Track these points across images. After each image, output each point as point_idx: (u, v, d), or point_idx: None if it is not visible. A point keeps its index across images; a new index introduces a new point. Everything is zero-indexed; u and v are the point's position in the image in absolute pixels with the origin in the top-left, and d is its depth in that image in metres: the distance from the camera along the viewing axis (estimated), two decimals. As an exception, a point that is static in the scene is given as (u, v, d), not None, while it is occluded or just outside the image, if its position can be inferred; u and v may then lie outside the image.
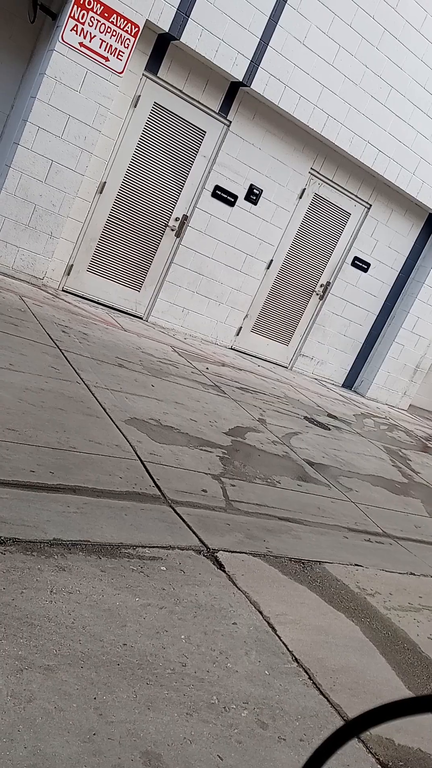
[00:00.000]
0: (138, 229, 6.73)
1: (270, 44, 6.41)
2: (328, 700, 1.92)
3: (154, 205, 6.73)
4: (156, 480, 2.92)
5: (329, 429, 5.79)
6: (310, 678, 1.98)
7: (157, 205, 6.75)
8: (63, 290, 6.55)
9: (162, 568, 2.19)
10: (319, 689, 1.95)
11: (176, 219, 6.90)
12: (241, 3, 6.09)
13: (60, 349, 4.35)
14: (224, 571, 2.37)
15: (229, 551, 2.55)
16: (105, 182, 6.37)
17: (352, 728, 0.73)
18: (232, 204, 7.12)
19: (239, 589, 2.29)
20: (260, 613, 2.20)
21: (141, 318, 7.11)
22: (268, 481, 3.64)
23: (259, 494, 3.37)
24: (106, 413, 3.48)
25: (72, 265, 6.51)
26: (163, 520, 2.57)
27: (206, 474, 3.29)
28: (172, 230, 6.90)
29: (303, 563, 2.77)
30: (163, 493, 2.81)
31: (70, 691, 1.47)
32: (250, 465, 3.77)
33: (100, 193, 6.37)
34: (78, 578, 1.91)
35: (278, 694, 1.83)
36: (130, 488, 2.73)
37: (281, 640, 2.10)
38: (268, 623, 2.17)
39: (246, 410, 5.04)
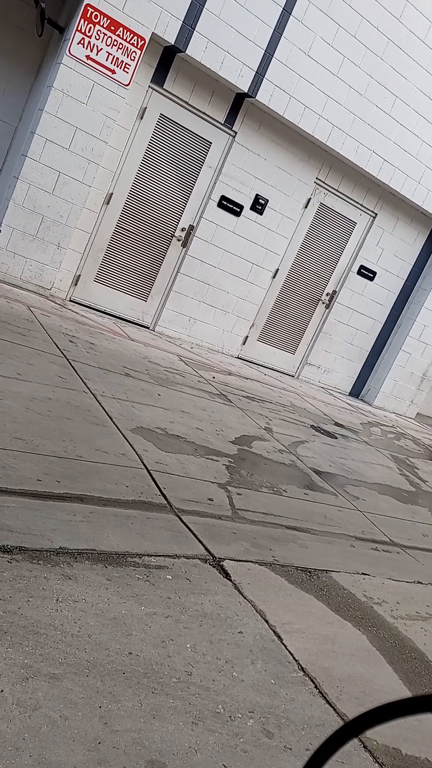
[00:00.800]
0: (145, 240, 6.77)
1: (275, 56, 6.46)
2: (335, 710, 1.91)
3: (160, 215, 6.77)
4: (162, 489, 2.92)
5: (336, 438, 5.78)
6: (316, 687, 1.97)
7: (164, 216, 6.80)
8: (70, 300, 6.59)
9: (168, 576, 2.19)
10: (325, 698, 1.94)
11: (182, 229, 6.94)
12: (245, 15, 6.15)
13: (67, 359, 4.37)
14: (230, 580, 2.37)
15: (235, 560, 2.54)
16: (112, 193, 6.42)
17: (352, 729, 0.72)
18: (238, 214, 7.15)
19: (245, 598, 2.29)
20: (266, 621, 2.20)
21: (148, 327, 7.14)
22: (275, 489, 3.63)
23: (266, 503, 3.37)
24: (113, 422, 3.50)
25: (79, 276, 6.55)
26: (169, 529, 2.57)
27: (212, 483, 3.30)
28: (179, 240, 6.94)
29: (309, 572, 2.77)
30: (169, 502, 2.82)
31: (76, 700, 1.47)
32: (256, 474, 3.77)
33: (107, 204, 6.42)
34: (84, 587, 1.91)
35: (284, 704, 1.83)
36: (137, 497, 2.73)
37: (287, 649, 2.09)
38: (274, 632, 2.16)
39: (252, 419, 5.04)
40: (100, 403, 3.72)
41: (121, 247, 6.68)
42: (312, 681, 1.98)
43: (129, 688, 1.59)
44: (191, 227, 6.97)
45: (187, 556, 2.40)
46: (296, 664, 2.03)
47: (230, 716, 1.67)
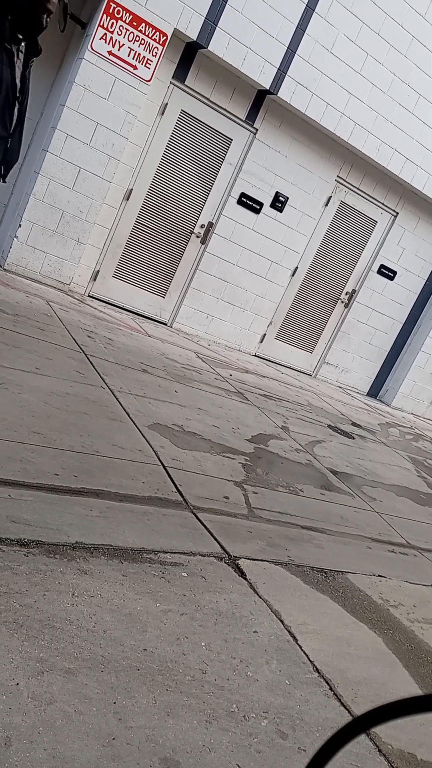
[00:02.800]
0: (163, 236, 6.77)
1: (297, 52, 6.42)
2: (349, 712, 1.89)
3: (179, 211, 6.77)
4: (178, 486, 2.92)
5: (353, 438, 5.74)
6: (331, 689, 1.95)
7: (183, 212, 6.79)
8: (89, 296, 6.61)
9: (183, 574, 2.19)
10: (340, 700, 1.92)
11: (201, 226, 6.92)
12: (268, 12, 6.12)
13: (85, 354, 4.38)
14: (246, 579, 2.35)
15: (250, 559, 2.53)
16: (131, 189, 6.42)
17: (359, 725, 0.72)
18: (257, 211, 7.12)
19: (260, 598, 2.27)
20: (281, 622, 2.19)
21: (165, 324, 7.14)
22: (291, 489, 3.61)
23: (282, 502, 3.35)
24: (130, 418, 3.50)
25: (98, 271, 6.57)
26: (185, 526, 2.57)
27: (228, 481, 3.28)
28: (198, 237, 6.92)
29: (325, 573, 2.75)
30: (185, 499, 2.81)
31: (90, 695, 1.47)
32: (272, 473, 3.75)
33: (127, 200, 6.43)
34: (100, 582, 1.91)
35: (299, 705, 1.81)
36: (153, 493, 2.73)
37: (302, 649, 2.08)
38: (289, 632, 2.14)
39: (269, 417, 5.02)
40: (117, 399, 3.72)
41: (140, 243, 6.69)
42: (327, 683, 1.97)
43: (143, 685, 1.58)
44: (210, 224, 6.96)
45: (202, 554, 2.39)
46: (311, 665, 2.01)
47: (244, 716, 1.66)
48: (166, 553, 2.27)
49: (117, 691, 1.52)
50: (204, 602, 2.08)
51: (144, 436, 3.32)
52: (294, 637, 2.12)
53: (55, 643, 1.58)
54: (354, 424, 6.48)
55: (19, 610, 1.63)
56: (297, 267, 7.68)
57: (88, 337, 4.91)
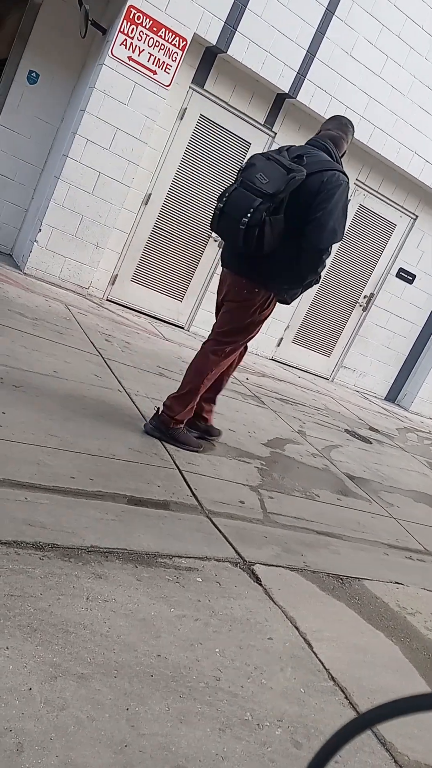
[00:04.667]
0: (182, 240, 6.79)
1: (317, 56, 6.40)
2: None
3: (197, 215, 6.78)
4: (194, 490, 2.91)
5: (371, 443, 5.70)
6: (346, 698, 1.93)
7: (201, 216, 6.80)
8: (107, 299, 6.64)
9: (198, 579, 2.18)
10: (355, 710, 1.90)
11: (220, 230, 6.92)
12: (288, 15, 6.11)
13: (103, 358, 4.40)
14: (261, 585, 2.34)
15: (265, 564, 2.52)
16: (150, 194, 6.44)
17: (364, 723, 0.72)
18: (275, 215, 7.10)
19: (275, 604, 2.26)
20: (297, 628, 2.17)
21: (182, 328, 7.15)
22: (307, 494, 3.59)
23: (298, 507, 3.33)
24: (146, 421, 3.50)
25: (117, 275, 6.60)
26: (200, 531, 2.56)
27: (244, 485, 3.27)
28: (215, 241, 6.92)
29: (341, 579, 2.72)
30: (200, 503, 2.80)
31: (103, 701, 1.46)
32: (288, 477, 3.73)
33: (146, 204, 6.45)
34: (114, 586, 1.91)
35: (314, 713, 1.79)
36: (168, 497, 2.73)
37: (318, 657, 2.06)
38: (305, 639, 2.13)
39: (285, 421, 5.00)
40: (134, 403, 3.73)
41: (158, 248, 6.71)
42: (342, 691, 1.95)
43: (157, 691, 1.58)
44: (228, 228, 6.95)
45: (217, 559, 2.38)
46: (326, 673, 1.99)
47: (258, 724, 1.65)
48: (181, 557, 2.27)
49: (130, 697, 1.52)
50: (218, 608, 2.07)
51: (160, 440, 3.32)
52: (309, 645, 2.11)
53: (68, 648, 1.58)
54: (371, 428, 6.43)
55: (34, 614, 1.64)
56: (315, 271, 7.64)
57: (106, 340, 4.93)
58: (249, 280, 3.15)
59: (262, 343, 7.68)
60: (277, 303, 3.34)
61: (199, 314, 7.14)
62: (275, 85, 6.37)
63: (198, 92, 6.33)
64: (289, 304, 3.33)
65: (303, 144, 3.20)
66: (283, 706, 1.75)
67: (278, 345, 7.84)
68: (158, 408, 3.40)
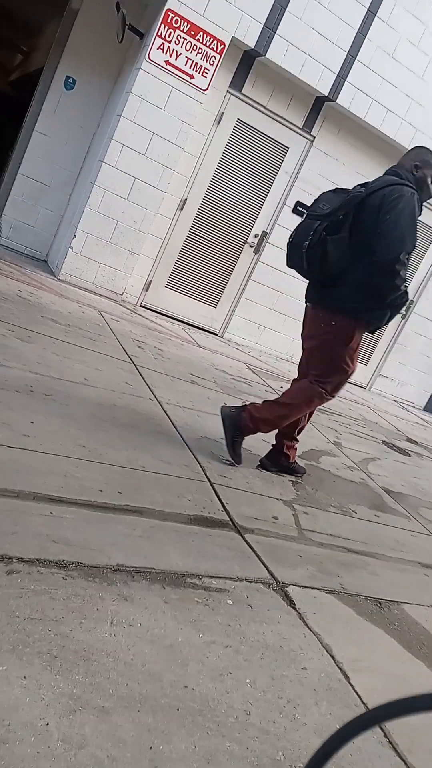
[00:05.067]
0: (216, 246, 6.71)
1: (357, 58, 6.27)
2: (405, 763, 1.73)
3: (233, 221, 6.69)
4: (225, 504, 2.81)
5: (409, 455, 5.51)
6: (385, 736, 1.80)
7: (237, 222, 6.71)
8: (141, 306, 6.59)
9: (228, 601, 2.07)
10: (395, 749, 1.76)
11: (255, 235, 6.83)
12: (328, 17, 5.99)
13: (135, 365, 4.33)
14: (294, 608, 2.22)
15: (300, 586, 2.39)
16: (186, 199, 6.38)
17: (371, 719, 0.73)
18: (313, 220, 6.97)
19: (310, 630, 2.14)
20: (332, 657, 2.04)
21: (216, 334, 7.06)
22: (343, 510, 3.45)
23: (334, 524, 3.20)
24: (177, 431, 3.41)
25: (151, 281, 6.55)
26: (231, 548, 2.45)
27: (278, 500, 3.15)
28: (251, 246, 6.83)
29: (380, 603, 2.58)
30: (231, 519, 2.70)
31: (125, 738, 1.37)
32: (324, 491, 3.60)
33: (181, 210, 6.39)
34: (140, 609, 1.82)
35: (350, 753, 1.67)
36: (198, 512, 2.63)
37: (354, 689, 1.93)
38: (341, 670, 2.00)
39: (321, 432, 4.86)
40: (165, 412, 3.65)
41: (192, 254, 6.64)
42: (381, 728, 1.81)
43: (183, 727, 1.47)
44: (264, 233, 6.85)
45: (249, 580, 2.27)
46: (364, 708, 1.86)
47: (291, 765, 1.53)
48: (211, 577, 2.16)
49: (154, 733, 1.42)
50: (250, 633, 1.96)
51: (191, 451, 3.23)
52: (346, 675, 1.98)
53: (89, 678, 1.49)
54: (410, 440, 6.23)
55: (54, 640, 1.55)
56: (353, 277, 7.48)
57: (139, 347, 4.87)
58: (326, 310, 3.11)
59: (298, 350, 7.53)
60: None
61: (233, 321, 7.05)
62: (314, 88, 6.25)
63: (236, 96, 6.25)
64: (375, 330, 3.20)
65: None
66: (317, 745, 1.63)
67: (314, 352, 7.69)
68: (273, 444, 3.46)
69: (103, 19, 5.91)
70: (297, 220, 6.92)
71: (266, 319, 7.20)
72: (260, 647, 1.92)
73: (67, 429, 2.83)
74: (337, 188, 3.09)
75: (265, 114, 6.41)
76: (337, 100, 6.37)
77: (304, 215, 3.08)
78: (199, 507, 2.67)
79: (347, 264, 2.96)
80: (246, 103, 6.30)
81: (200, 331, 6.85)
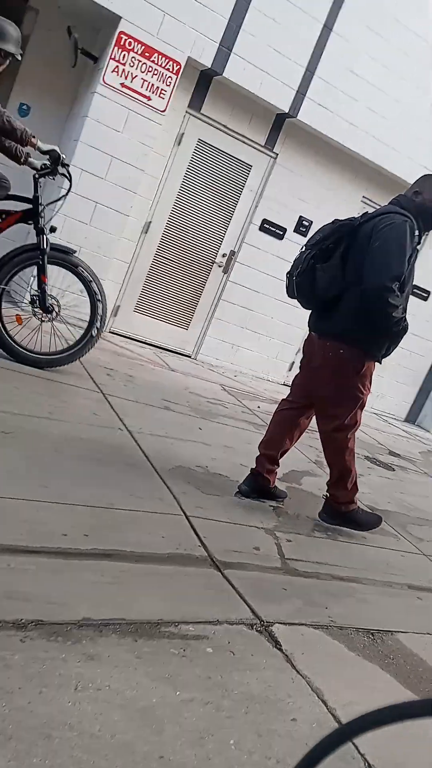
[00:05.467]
0: (184, 267, 6.59)
1: (316, 73, 6.25)
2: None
3: (200, 242, 6.59)
4: (202, 538, 2.64)
5: (393, 469, 5.39)
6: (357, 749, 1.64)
7: (204, 242, 6.61)
8: (110, 332, 6.43)
9: (208, 649, 1.90)
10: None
11: (223, 255, 6.73)
12: (284, 34, 5.97)
13: (103, 394, 4.16)
14: (281, 650, 2.05)
15: (286, 623, 2.23)
16: (150, 222, 6.27)
17: (346, 733, 0.73)
18: (281, 237, 6.91)
19: (299, 673, 1.97)
20: (324, 703, 1.87)
21: (189, 356, 6.91)
22: (328, 533, 3.30)
23: (319, 550, 3.04)
24: (149, 462, 3.24)
25: (119, 306, 6.40)
26: (210, 587, 2.28)
27: (258, 528, 2.99)
28: (219, 266, 6.73)
29: (372, 634, 2.42)
30: (210, 554, 2.53)
31: None
32: (307, 515, 3.44)
33: (145, 232, 6.27)
34: (109, 668, 1.64)
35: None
36: (173, 549, 2.45)
37: (351, 740, 1.76)
38: (334, 716, 1.83)
39: (301, 451, 4.71)
40: (136, 441, 3.47)
41: (160, 276, 6.51)
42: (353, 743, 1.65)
43: (158, 810, 1.30)
44: (232, 252, 6.76)
45: (230, 622, 2.09)
46: (362, 761, 1.69)
47: None
48: (189, 623, 1.99)
49: None
50: (232, 685, 1.78)
51: (164, 482, 3.06)
52: (340, 723, 1.81)
53: (50, 759, 1.30)
54: (392, 453, 6.12)
55: (9, 716, 1.37)
56: (324, 292, 7.41)
57: (107, 375, 4.70)
58: (331, 339, 3.05)
59: (273, 368, 7.43)
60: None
61: (206, 342, 6.91)
62: (274, 105, 6.22)
63: (195, 116, 6.19)
64: (381, 361, 3.16)
65: None
66: None
67: (290, 369, 7.57)
68: (326, 495, 3.38)
69: (55, 44, 5.81)
70: (264, 238, 6.85)
71: (239, 339, 7.07)
72: (244, 700, 1.75)
73: (29, 469, 2.65)
74: (335, 219, 3.08)
75: (226, 133, 6.35)
76: (298, 117, 6.34)
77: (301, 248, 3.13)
78: (174, 544, 2.50)
79: (339, 291, 2.93)
80: (206, 122, 6.24)
81: (173, 354, 6.70)
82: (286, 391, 7.15)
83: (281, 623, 2.22)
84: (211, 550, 2.56)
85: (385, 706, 0.70)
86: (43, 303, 4.09)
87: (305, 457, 4.61)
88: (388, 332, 2.98)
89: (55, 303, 4.16)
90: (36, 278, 4.14)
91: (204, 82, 6.09)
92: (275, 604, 2.35)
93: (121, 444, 3.38)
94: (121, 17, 5.39)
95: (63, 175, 4.08)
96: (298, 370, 3.46)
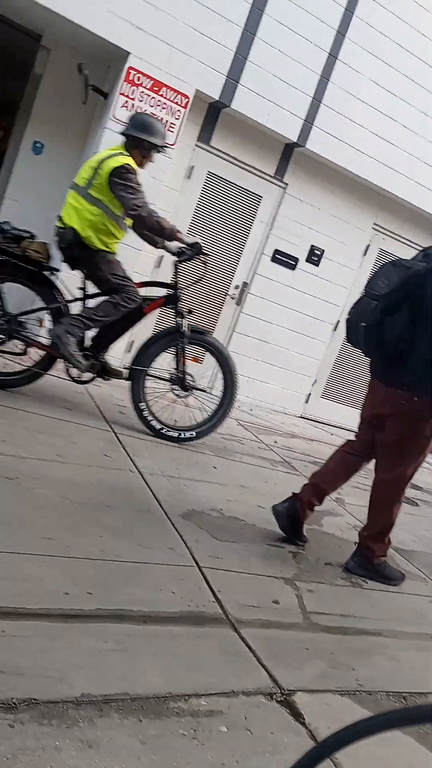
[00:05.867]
0: (198, 300, 6.49)
1: (323, 102, 6.20)
2: None
3: (213, 274, 6.49)
4: (216, 592, 2.44)
5: (417, 505, 5.15)
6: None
7: (216, 275, 6.51)
8: (124, 368, 6.29)
9: (222, 728, 1.70)
10: None
11: (236, 287, 6.63)
12: (290, 64, 5.95)
13: (115, 433, 4.02)
14: (304, 725, 1.84)
15: (309, 691, 2.02)
16: (162, 256, 6.19)
17: (325, 749, 0.74)
18: (293, 267, 6.80)
19: (325, 752, 1.75)
20: (355, 789, 1.66)
21: (204, 391, 6.75)
22: (352, 580, 3.08)
23: (343, 600, 2.83)
24: (160, 506, 3.07)
25: (132, 342, 6.29)
26: (225, 651, 2.08)
27: (277, 578, 2.79)
28: (233, 299, 6.62)
29: (404, 698, 2.20)
30: (225, 611, 2.33)
31: None
32: (329, 560, 3.23)
33: (158, 267, 6.19)
34: (109, 759, 1.45)
35: None
36: (185, 607, 2.26)
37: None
38: (367, 805, 1.61)
39: (321, 489, 4.51)
40: (147, 484, 3.31)
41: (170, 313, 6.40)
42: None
43: None
44: (245, 284, 6.66)
45: (247, 692, 1.89)
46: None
47: None
48: (200, 696, 1.79)
49: None
50: (250, 771, 1.58)
51: (176, 529, 2.88)
52: None
53: None
54: (414, 486, 5.87)
55: None
56: (339, 321, 7.26)
57: (120, 413, 4.56)
58: (404, 388, 2.91)
59: (290, 400, 7.25)
60: None
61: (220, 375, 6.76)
62: (282, 135, 6.17)
63: (204, 149, 6.15)
64: None
65: None
66: None
67: (306, 401, 7.40)
68: (357, 542, 3.24)
69: (67, 82, 5.83)
70: (277, 269, 6.74)
71: (254, 371, 6.92)
72: (264, 790, 1.54)
73: (32, 518, 2.49)
74: (396, 261, 2.94)
75: (236, 164, 6.30)
76: (307, 145, 6.28)
77: (363, 292, 2.95)
78: (185, 600, 2.31)
79: (408, 343, 2.79)
80: (215, 155, 6.19)
81: (186, 388, 6.55)
82: (303, 424, 6.99)
83: (304, 691, 2.01)
84: (225, 605, 2.37)
85: (359, 721, 0.71)
86: (183, 383, 4.38)
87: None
88: None
89: (192, 381, 4.47)
90: (176, 359, 4.39)
91: (212, 115, 6.06)
92: (296, 668, 2.14)
93: (132, 487, 3.21)
94: (129, 53, 5.39)
95: (202, 261, 4.26)
96: (359, 423, 3.38)
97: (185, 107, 5.69)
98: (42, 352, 4.04)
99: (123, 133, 4.02)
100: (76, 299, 4.13)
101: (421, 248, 7.37)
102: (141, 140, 3.95)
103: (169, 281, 4.27)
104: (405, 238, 7.37)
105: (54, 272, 4.01)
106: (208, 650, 2.06)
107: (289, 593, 2.69)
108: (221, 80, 5.76)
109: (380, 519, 3.16)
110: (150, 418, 4.30)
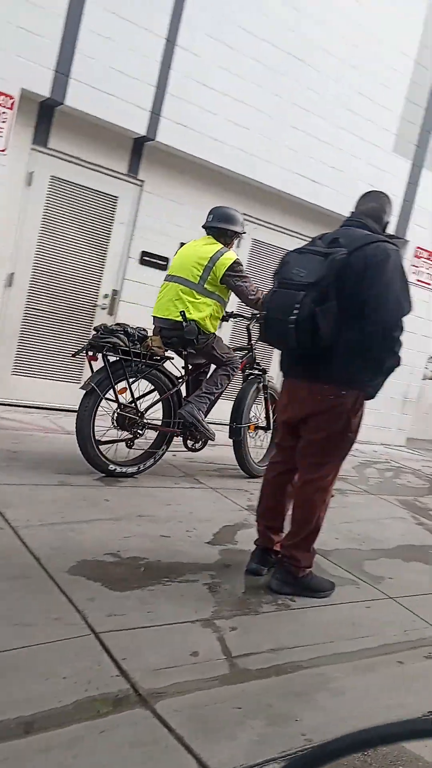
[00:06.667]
0: (63, 316, 5.93)
1: (168, 91, 5.84)
2: None
3: (75, 286, 5.96)
4: (120, 662, 1.98)
5: (332, 495, 4.89)
6: None
7: (80, 286, 5.99)
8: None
9: None
10: None
11: (105, 296, 6.14)
12: (125, 53, 5.54)
13: (-18, 482, 3.42)
14: None
15: (249, 767, 1.61)
16: (12, 273, 5.58)
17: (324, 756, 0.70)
18: (164, 267, 6.40)
19: None
20: None
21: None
22: (279, 602, 2.71)
23: (271, 631, 2.44)
24: (41, 566, 2.55)
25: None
26: (139, 742, 1.63)
27: (193, 623, 2.36)
28: (103, 309, 6.13)
29: (361, 742, 1.83)
30: (133, 685, 1.87)
31: None
32: (249, 584, 2.85)
33: (9, 286, 5.57)
34: None
35: None
36: (81, 694, 1.78)
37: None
38: None
39: (231, 499, 4.14)
40: (22, 540, 2.76)
41: (36, 330, 5.81)
42: None
43: None
44: (115, 292, 6.18)
45: (171, 802, 1.45)
46: None
47: None
48: None
49: None
50: None
51: (63, 591, 2.37)
52: None
53: None
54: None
55: None
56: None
57: (-11, 456, 3.95)
58: (326, 384, 2.71)
59: (183, 407, 6.84)
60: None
61: (104, 393, 6.24)
62: (129, 129, 5.74)
63: (42, 152, 5.60)
64: (373, 397, 2.79)
65: (337, 229, 2.85)
66: None
67: None
68: (277, 554, 2.94)
69: None
70: (147, 271, 6.31)
71: (140, 383, 6.45)
72: None
73: None
74: (302, 248, 2.79)
75: (82, 165, 5.80)
76: (158, 138, 5.90)
77: (275, 283, 2.75)
78: (81, 685, 1.82)
79: (336, 334, 2.61)
80: (56, 157, 5.66)
81: (68, 413, 5.96)
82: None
83: (243, 771, 1.59)
84: (134, 677, 1.91)
85: (326, 742, 0.68)
86: (268, 427, 4.99)
87: (235, 505, 4.03)
88: (391, 370, 2.73)
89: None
90: (265, 407, 5.02)
91: (46, 114, 5.53)
92: (229, 739, 1.73)
93: (3, 548, 2.66)
94: None
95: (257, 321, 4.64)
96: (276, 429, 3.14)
97: (11, 108, 5.13)
98: (155, 433, 4.35)
99: (208, 227, 4.44)
100: (181, 377, 4.52)
101: (297, 234, 7.20)
102: (226, 230, 4.40)
103: (246, 345, 4.94)
104: (277, 225, 7.18)
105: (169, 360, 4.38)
106: (116, 748, 1.60)
107: (209, 638, 2.27)
108: (49, 75, 5.24)
109: (305, 524, 2.84)
110: (251, 463, 4.87)
